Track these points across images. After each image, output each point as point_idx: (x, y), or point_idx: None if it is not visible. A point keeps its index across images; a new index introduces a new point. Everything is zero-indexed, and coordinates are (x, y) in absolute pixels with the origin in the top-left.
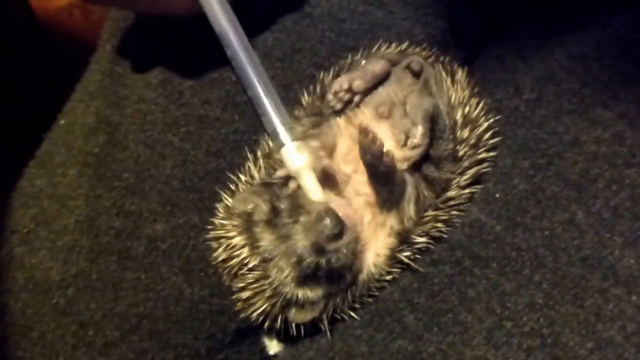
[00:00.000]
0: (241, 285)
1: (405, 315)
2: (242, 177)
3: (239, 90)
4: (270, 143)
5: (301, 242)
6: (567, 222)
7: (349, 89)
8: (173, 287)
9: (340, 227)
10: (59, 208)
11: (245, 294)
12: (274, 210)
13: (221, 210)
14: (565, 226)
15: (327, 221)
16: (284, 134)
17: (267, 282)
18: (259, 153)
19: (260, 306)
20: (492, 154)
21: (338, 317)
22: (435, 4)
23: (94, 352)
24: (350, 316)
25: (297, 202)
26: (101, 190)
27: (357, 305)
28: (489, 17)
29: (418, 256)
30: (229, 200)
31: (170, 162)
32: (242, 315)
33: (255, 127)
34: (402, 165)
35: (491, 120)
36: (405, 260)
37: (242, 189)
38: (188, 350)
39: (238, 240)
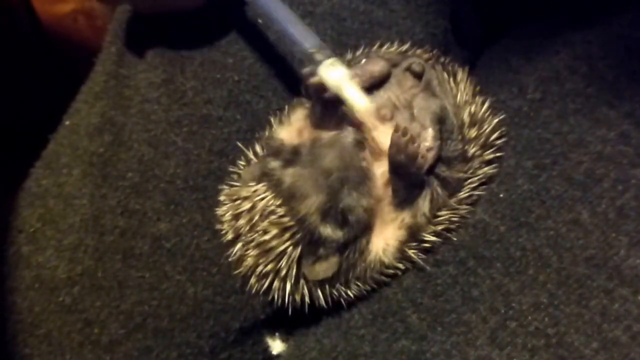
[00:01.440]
0: (263, 226)
1: (409, 315)
2: (242, 163)
3: (241, 90)
4: (274, 126)
5: (328, 155)
6: (572, 222)
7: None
8: (177, 286)
9: (362, 137)
10: (64, 207)
11: (266, 236)
12: (288, 157)
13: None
14: (570, 226)
15: (350, 130)
16: (318, 54)
17: (291, 214)
18: (257, 144)
19: (277, 248)
20: (500, 153)
21: (341, 294)
22: (437, 2)
23: (99, 350)
24: (354, 312)
25: (317, 138)
26: (106, 189)
27: (362, 290)
28: (491, 16)
29: (423, 255)
30: (233, 185)
31: (173, 161)
32: (246, 267)
33: (257, 125)
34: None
35: (498, 119)
36: (413, 257)
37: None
38: (192, 348)
39: (259, 186)
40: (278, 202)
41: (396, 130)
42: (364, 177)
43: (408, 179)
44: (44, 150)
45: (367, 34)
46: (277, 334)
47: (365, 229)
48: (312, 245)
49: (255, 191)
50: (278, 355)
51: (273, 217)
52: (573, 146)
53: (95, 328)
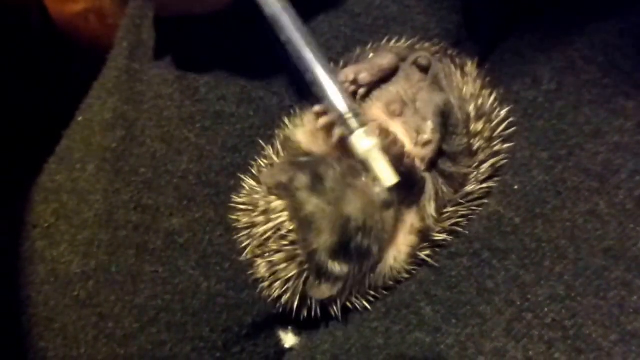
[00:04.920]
0: (273, 248)
1: (423, 307)
2: (263, 161)
3: (254, 87)
4: (289, 127)
5: (352, 204)
6: (589, 213)
7: (355, 81)
8: (190, 281)
9: (393, 199)
10: (78, 203)
11: (275, 257)
12: (317, 178)
13: (252, 179)
14: (587, 217)
15: (384, 190)
16: (351, 120)
17: (302, 244)
18: (276, 143)
19: (285, 275)
20: (507, 145)
21: (353, 304)
22: None
23: (113, 344)
24: (366, 307)
25: (350, 168)
26: (119, 185)
27: (372, 298)
28: (505, 9)
29: (437, 249)
30: (251, 180)
31: (186, 157)
32: (262, 285)
33: (270, 122)
34: (419, 165)
35: (505, 111)
36: (426, 259)
37: (266, 169)
38: (205, 342)
39: (278, 204)
40: (292, 227)
41: (380, 133)
42: (382, 229)
43: (404, 178)
44: (57, 146)
45: (382, 29)
46: (289, 327)
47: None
48: (319, 274)
49: (272, 207)
50: (290, 349)
51: (284, 242)
52: (589, 137)
53: (109, 322)
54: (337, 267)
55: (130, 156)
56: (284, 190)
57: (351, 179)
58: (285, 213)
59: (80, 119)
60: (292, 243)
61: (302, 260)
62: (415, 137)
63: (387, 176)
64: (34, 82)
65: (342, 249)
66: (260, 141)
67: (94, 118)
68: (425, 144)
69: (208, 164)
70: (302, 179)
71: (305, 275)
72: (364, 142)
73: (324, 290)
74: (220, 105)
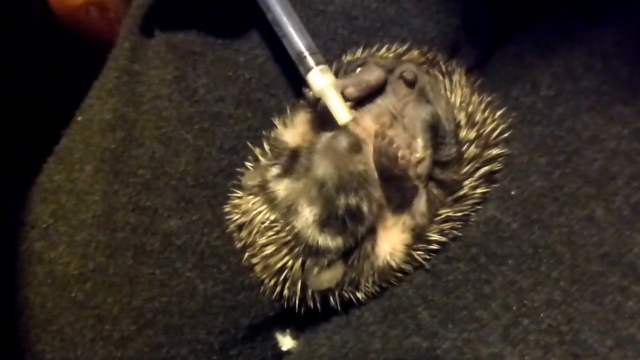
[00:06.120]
0: (262, 242)
1: (420, 312)
2: (249, 165)
3: (253, 88)
4: (279, 128)
5: (321, 166)
6: (586, 219)
7: (342, 95)
8: (187, 283)
9: (356, 139)
10: (76, 203)
11: (266, 250)
12: (287, 168)
13: (237, 191)
14: (583, 223)
15: (344, 133)
16: (309, 58)
17: (287, 229)
18: (265, 146)
19: (280, 266)
20: (500, 151)
21: (350, 297)
22: (448, 1)
23: (110, 346)
24: (363, 302)
25: (311, 150)
26: (117, 186)
27: (369, 293)
28: (504, 13)
29: (433, 254)
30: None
31: (184, 158)
32: (257, 275)
33: (268, 124)
34: (417, 183)
35: (497, 116)
36: (422, 262)
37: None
38: (202, 345)
39: (254, 200)
40: (273, 217)
41: (376, 135)
42: (361, 181)
43: (398, 184)
44: (56, 145)
45: (379, 32)
46: (287, 330)
47: (368, 232)
48: (313, 256)
49: (252, 204)
50: (288, 352)
51: (270, 233)
52: (587, 143)
53: (106, 324)
54: (330, 241)
55: (129, 157)
56: (260, 188)
57: (314, 146)
58: (264, 207)
59: (79, 118)
60: (278, 232)
61: (293, 245)
62: (408, 154)
63: (342, 113)
64: (34, 78)
65: (331, 218)
66: (249, 144)
67: (93, 118)
68: (419, 162)
69: (206, 165)
70: (273, 171)
71: (300, 259)
72: (319, 80)
73: (323, 280)
74: (218, 106)
